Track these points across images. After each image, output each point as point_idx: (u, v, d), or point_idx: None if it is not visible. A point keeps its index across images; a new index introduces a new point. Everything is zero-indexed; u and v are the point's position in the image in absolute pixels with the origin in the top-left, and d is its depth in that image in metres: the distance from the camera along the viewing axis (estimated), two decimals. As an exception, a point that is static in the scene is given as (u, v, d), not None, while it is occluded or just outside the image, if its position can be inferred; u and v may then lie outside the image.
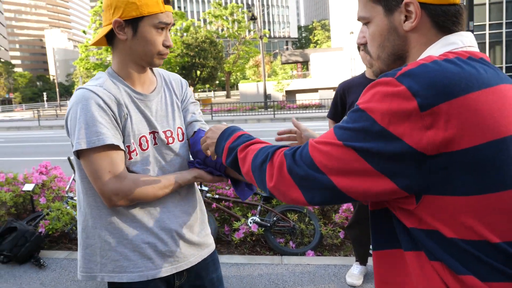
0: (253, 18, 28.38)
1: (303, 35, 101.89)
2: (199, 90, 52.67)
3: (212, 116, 21.59)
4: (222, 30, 47.60)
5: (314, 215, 3.68)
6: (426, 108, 0.62)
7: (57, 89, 59.08)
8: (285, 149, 0.77)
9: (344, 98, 2.67)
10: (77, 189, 1.29)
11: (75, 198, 4.11)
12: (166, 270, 1.28)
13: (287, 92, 40.92)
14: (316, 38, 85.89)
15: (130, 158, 1.22)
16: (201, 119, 1.42)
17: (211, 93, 64.13)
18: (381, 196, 0.68)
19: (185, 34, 41.63)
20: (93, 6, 38.57)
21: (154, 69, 1.37)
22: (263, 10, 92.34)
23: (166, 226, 1.28)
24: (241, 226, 3.47)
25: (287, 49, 71.95)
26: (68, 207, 3.89)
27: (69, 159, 4.41)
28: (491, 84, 0.65)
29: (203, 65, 38.96)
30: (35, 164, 4.95)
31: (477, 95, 0.63)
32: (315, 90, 38.97)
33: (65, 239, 3.90)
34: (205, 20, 48.61)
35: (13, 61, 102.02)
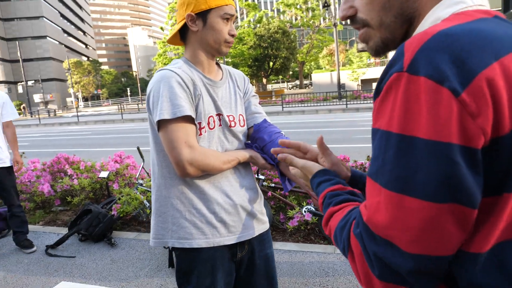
0: (326, 5, 27.62)
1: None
2: (272, 81, 52.84)
3: (282, 108, 21.66)
4: (296, 19, 47.03)
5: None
6: (462, 89, 0.48)
7: (138, 84, 63.46)
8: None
9: None
10: (152, 162, 1.44)
11: (144, 185, 4.45)
12: (230, 239, 1.41)
13: (363, 81, 39.45)
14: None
15: (200, 134, 1.36)
16: (261, 111, 1.56)
17: (284, 84, 64.24)
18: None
19: (258, 25, 41.94)
20: (170, 3, 40.54)
21: (220, 64, 1.55)
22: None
23: (230, 198, 1.41)
24: (295, 215, 3.49)
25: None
26: (137, 193, 4.22)
27: (138, 148, 4.77)
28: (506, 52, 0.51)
29: (275, 56, 38.99)
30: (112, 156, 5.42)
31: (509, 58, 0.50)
32: (391, 77, 37.01)
33: (134, 221, 4.24)
34: (278, 10, 48.44)
35: (100, 59, 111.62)
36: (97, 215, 3.77)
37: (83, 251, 3.59)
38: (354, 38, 64.22)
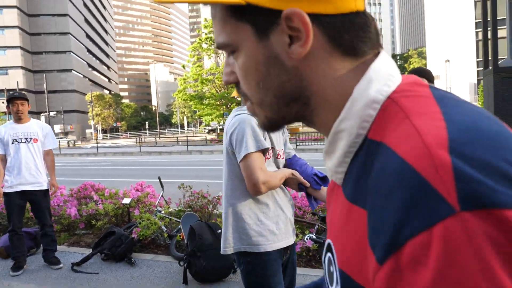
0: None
1: (398, 63, 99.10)
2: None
3: (296, 145, 22.12)
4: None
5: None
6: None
7: (157, 119, 65.20)
8: None
9: None
10: (226, 187, 1.82)
11: (162, 212, 4.84)
12: (281, 243, 1.79)
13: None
14: (412, 67, 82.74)
15: (264, 161, 1.77)
16: (292, 148, 2.07)
17: (300, 122, 65.05)
18: None
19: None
20: (192, 42, 42.47)
21: None
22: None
23: (283, 211, 1.83)
24: (298, 242, 3.80)
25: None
26: (156, 218, 4.59)
27: (159, 178, 5.20)
28: None
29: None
30: (134, 184, 5.86)
31: None
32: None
33: (152, 244, 4.58)
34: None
35: (122, 93, 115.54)
36: (119, 236, 4.14)
37: (106, 268, 3.93)
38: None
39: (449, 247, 0.30)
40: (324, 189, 1.90)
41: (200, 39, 39.26)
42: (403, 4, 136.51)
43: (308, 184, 1.89)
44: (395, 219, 0.34)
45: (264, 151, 1.73)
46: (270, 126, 0.55)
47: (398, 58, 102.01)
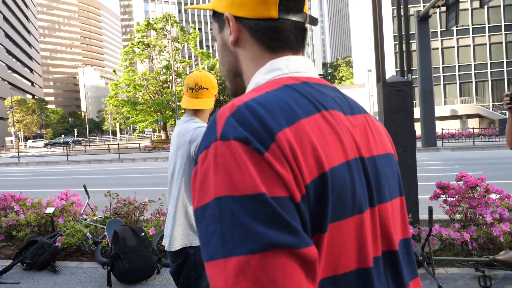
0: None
1: (329, 71, 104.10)
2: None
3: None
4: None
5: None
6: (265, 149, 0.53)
7: (87, 125, 62.09)
8: None
9: None
10: (178, 189, 2.02)
11: (88, 219, 4.92)
12: None
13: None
14: (341, 75, 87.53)
15: None
16: None
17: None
18: None
19: (212, 72, 43.51)
20: (124, 46, 41.26)
21: None
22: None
23: None
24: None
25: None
26: (81, 226, 4.67)
27: (84, 186, 5.26)
28: (298, 118, 0.57)
29: (227, 102, 40.43)
30: (58, 194, 5.82)
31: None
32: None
33: (77, 252, 4.65)
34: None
35: (47, 98, 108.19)
36: (42, 245, 4.19)
37: (27, 277, 3.96)
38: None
39: (213, 155, 0.53)
40: None
41: (132, 43, 38.33)
42: (333, 15, 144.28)
43: None
44: (199, 144, 0.58)
45: None
46: (232, 94, 0.79)
47: (328, 66, 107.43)
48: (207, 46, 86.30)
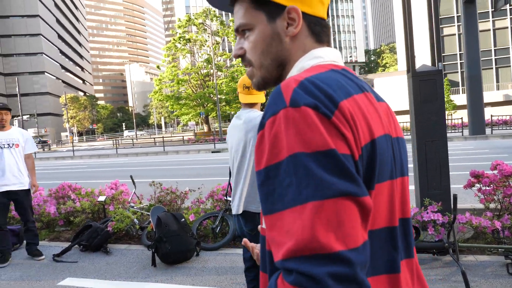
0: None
1: (372, 58, 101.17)
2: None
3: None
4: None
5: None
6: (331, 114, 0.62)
7: (134, 119, 64.83)
8: None
9: None
10: (246, 168, 2.40)
11: (135, 207, 5.38)
12: None
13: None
14: (384, 62, 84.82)
15: None
16: None
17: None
18: None
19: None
20: (167, 42, 42.49)
21: None
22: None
23: None
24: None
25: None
26: (129, 213, 5.14)
27: (131, 177, 5.73)
28: (351, 93, 0.67)
29: (267, 94, 40.42)
30: (109, 183, 6.36)
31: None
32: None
33: (126, 236, 5.13)
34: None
35: (97, 94, 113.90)
36: (96, 229, 4.68)
37: (84, 257, 4.47)
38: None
39: (284, 119, 0.61)
40: None
41: (174, 39, 39.41)
42: (374, 0, 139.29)
43: None
44: (265, 112, 0.65)
45: None
46: (264, 84, 0.84)
47: (371, 53, 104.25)
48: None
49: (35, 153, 28.87)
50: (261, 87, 0.84)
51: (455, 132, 22.89)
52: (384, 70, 77.48)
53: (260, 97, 2.53)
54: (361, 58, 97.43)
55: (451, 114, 34.91)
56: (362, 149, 0.64)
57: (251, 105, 2.53)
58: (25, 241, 4.72)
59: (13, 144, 4.48)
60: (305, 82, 0.64)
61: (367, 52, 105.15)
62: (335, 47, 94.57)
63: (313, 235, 0.56)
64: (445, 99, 36.16)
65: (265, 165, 0.62)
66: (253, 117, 2.43)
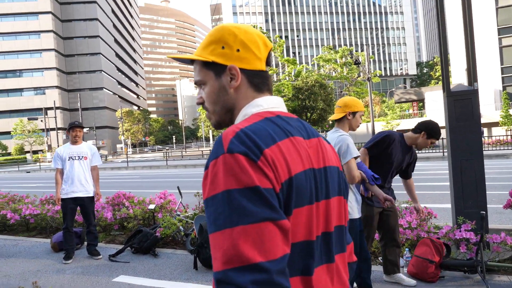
0: (357, 63, 29.41)
1: (424, 71, 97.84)
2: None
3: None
4: (334, 72, 49.12)
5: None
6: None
7: (183, 132, 67.28)
8: None
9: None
10: None
11: (181, 215, 5.85)
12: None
13: (399, 131, 39.92)
14: (438, 74, 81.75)
15: None
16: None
17: (323, 134, 65.75)
18: None
19: (297, 79, 44.12)
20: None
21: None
22: (378, 50, 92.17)
23: (357, 193, 3.03)
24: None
25: (404, 87, 70.19)
26: (175, 220, 5.61)
27: (178, 188, 6.23)
28: (276, 141, 0.83)
29: (313, 108, 40.59)
30: (158, 193, 6.92)
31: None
32: (428, 129, 37.39)
33: (172, 242, 5.59)
34: (317, 65, 50.70)
35: (150, 109, 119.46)
36: (146, 234, 5.18)
37: (135, 259, 4.97)
38: (393, 89, 65.66)
39: (222, 163, 0.77)
40: (375, 185, 3.05)
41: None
42: (427, 11, 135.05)
43: (367, 180, 2.99)
44: (209, 155, 0.82)
45: (356, 158, 2.88)
46: (218, 126, 1.02)
47: (423, 65, 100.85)
48: (294, 53, 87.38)
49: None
50: (218, 128, 1.04)
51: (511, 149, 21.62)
52: (437, 83, 74.45)
53: (336, 116, 3.05)
54: (413, 70, 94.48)
55: (510, 130, 32.88)
56: (282, 184, 0.80)
57: (337, 123, 3.08)
58: (86, 242, 5.32)
59: (82, 156, 5.13)
60: (240, 133, 0.81)
61: (418, 64, 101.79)
62: (385, 60, 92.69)
63: (239, 251, 0.71)
64: (504, 114, 34.19)
65: (206, 197, 0.79)
66: (332, 138, 2.98)
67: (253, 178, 0.76)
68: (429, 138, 3.52)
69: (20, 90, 66.92)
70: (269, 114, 0.91)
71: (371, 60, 75.11)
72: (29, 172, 31.86)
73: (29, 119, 45.42)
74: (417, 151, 3.94)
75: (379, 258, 4.42)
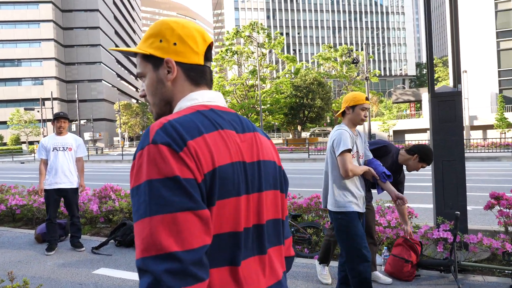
0: (355, 62, 29.41)
1: (423, 72, 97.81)
2: (309, 128, 54.31)
3: (309, 155, 22.95)
4: (333, 71, 49.02)
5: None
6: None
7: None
8: None
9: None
10: (330, 173, 3.04)
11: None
12: (360, 208, 2.99)
13: (395, 132, 40.07)
14: (436, 76, 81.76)
15: (352, 158, 2.95)
16: (370, 154, 3.23)
17: (319, 131, 65.73)
18: None
19: (295, 76, 44.03)
20: (216, 53, 43.96)
21: (359, 126, 3.38)
22: (378, 49, 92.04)
23: (359, 188, 3.02)
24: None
25: (403, 87, 69.95)
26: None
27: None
28: (202, 133, 0.85)
29: (310, 106, 40.60)
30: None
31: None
32: (425, 130, 37.53)
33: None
34: (317, 62, 50.60)
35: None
36: (129, 227, 5.21)
37: (118, 251, 5.00)
38: (392, 89, 65.36)
39: (147, 153, 0.80)
40: (388, 183, 3.05)
41: (221, 51, 40.70)
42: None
43: (378, 177, 3.01)
44: (137, 146, 0.84)
45: (349, 151, 2.90)
46: (157, 116, 1.02)
47: (423, 66, 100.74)
48: (294, 50, 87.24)
49: (88, 156, 30.90)
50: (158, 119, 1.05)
51: (508, 151, 21.73)
52: (436, 84, 74.54)
53: (339, 112, 3.16)
54: (412, 71, 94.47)
55: (505, 133, 33.02)
56: (205, 175, 0.82)
57: (342, 118, 3.15)
58: (69, 234, 5.34)
59: (67, 147, 5.14)
60: (167, 125, 0.83)
61: (418, 65, 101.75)
62: (385, 60, 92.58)
63: (156, 239, 0.74)
64: (499, 117, 34.32)
65: (132, 187, 0.81)
66: (333, 131, 3.09)
67: (174, 168, 0.78)
68: (420, 162, 3.52)
69: (18, 79, 66.64)
70: (202, 108, 0.93)
71: (371, 59, 74.86)
72: (23, 162, 31.82)
73: (25, 109, 45.33)
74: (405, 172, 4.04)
75: None
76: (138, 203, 0.79)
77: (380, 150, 3.60)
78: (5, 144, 59.64)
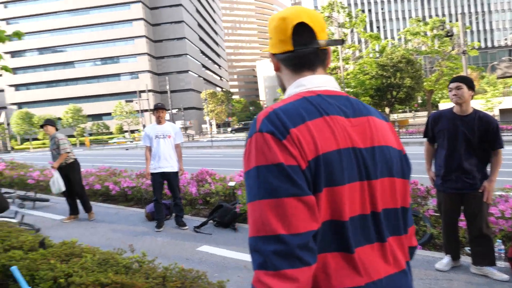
0: (449, 35, 26.87)
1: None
2: (399, 110, 51.16)
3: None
4: (424, 46, 45.26)
5: (428, 219, 4.53)
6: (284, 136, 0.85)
7: (263, 113, 68.09)
8: None
9: (433, 127, 3.64)
10: None
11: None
12: None
13: (502, 111, 36.05)
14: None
15: None
16: None
17: (411, 114, 61.94)
18: None
19: (380, 55, 41.72)
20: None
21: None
22: (477, 19, 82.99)
23: None
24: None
25: (509, 60, 62.07)
26: (253, 197, 5.88)
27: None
28: (305, 120, 0.89)
29: (399, 86, 38.13)
30: (238, 171, 7.28)
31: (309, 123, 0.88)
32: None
33: (250, 217, 5.89)
34: (404, 39, 47.20)
35: (232, 90, 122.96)
36: (226, 209, 5.55)
37: (217, 231, 5.37)
38: (495, 62, 57.90)
39: (255, 141, 0.87)
40: None
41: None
42: None
43: None
44: (248, 133, 0.91)
45: None
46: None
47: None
48: (378, 27, 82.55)
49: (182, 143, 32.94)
50: None
51: None
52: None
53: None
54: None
55: None
56: (309, 162, 0.85)
57: None
58: (173, 214, 5.87)
59: (166, 135, 5.63)
60: (271, 114, 0.89)
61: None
62: (485, 30, 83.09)
63: (266, 221, 0.80)
64: None
65: (244, 171, 0.89)
66: None
67: (278, 156, 0.83)
68: None
69: (118, 75, 73.40)
70: (308, 94, 0.96)
71: (468, 31, 67.57)
72: (127, 149, 35.22)
73: (126, 101, 49.87)
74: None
75: (466, 248, 4.13)
76: (249, 186, 0.86)
77: None
78: (111, 133, 66.45)
